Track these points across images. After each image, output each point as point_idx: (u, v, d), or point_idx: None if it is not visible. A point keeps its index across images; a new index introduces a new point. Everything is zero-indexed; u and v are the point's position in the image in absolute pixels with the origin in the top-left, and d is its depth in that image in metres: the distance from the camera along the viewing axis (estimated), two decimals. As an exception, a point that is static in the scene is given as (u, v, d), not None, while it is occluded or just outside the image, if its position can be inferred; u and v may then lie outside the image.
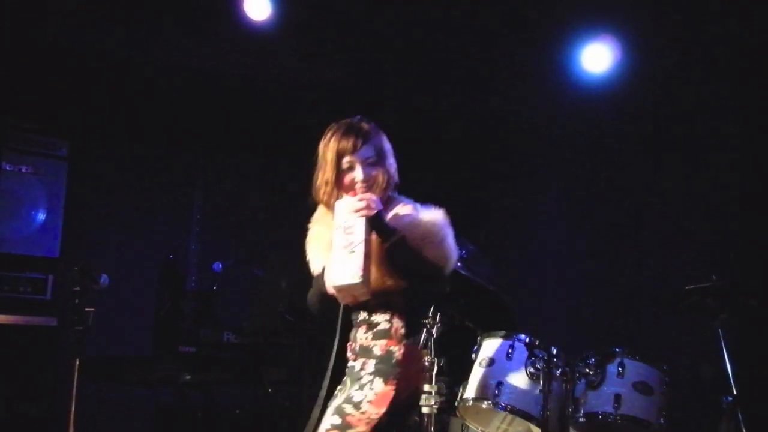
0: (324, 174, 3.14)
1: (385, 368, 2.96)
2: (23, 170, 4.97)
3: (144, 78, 5.48)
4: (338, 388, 3.07)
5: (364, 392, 2.93)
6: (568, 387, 3.99)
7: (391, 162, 3.20)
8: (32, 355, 4.83)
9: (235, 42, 5.45)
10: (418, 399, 3.03)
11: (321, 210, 3.23)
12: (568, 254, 5.98)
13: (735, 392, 3.85)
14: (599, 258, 5.96)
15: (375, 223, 2.95)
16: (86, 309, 4.02)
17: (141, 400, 5.14)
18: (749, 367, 4.13)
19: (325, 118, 6.13)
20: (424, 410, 3.35)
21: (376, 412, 2.90)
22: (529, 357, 4.05)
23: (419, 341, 3.03)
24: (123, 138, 5.71)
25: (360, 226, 2.93)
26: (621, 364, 4.08)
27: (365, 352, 3.03)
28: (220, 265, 5.26)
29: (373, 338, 3.03)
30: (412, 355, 3.00)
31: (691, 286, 4.02)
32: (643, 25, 5.39)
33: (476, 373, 4.14)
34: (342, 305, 3.13)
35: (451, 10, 5.42)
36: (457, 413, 4.24)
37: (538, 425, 3.99)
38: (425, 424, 3.21)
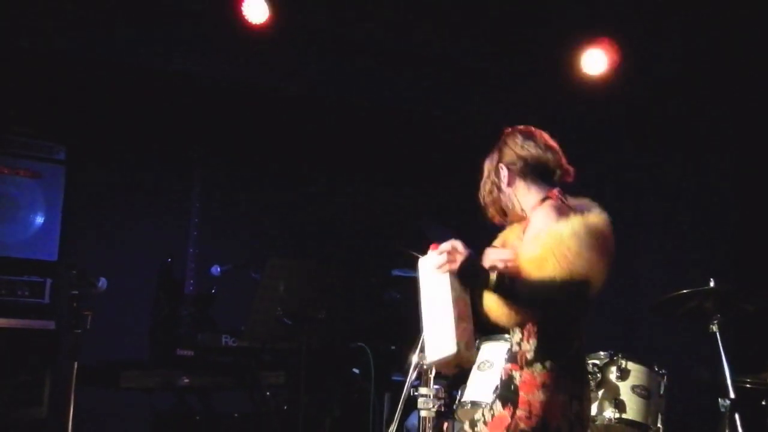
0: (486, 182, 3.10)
1: (504, 393, 2.80)
2: (21, 174, 4.96)
3: (142, 82, 5.48)
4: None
5: (484, 414, 2.83)
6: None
7: (494, 179, 3.01)
8: (30, 358, 4.81)
9: (233, 47, 5.46)
10: None
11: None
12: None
13: (733, 396, 3.86)
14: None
15: (463, 279, 2.73)
16: (84, 312, 4.02)
17: (139, 404, 5.12)
18: (747, 371, 4.13)
19: (323, 123, 6.18)
20: (423, 413, 3.36)
21: None
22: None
23: (551, 367, 2.76)
24: (121, 142, 5.71)
25: (444, 285, 2.69)
26: (619, 368, 4.09)
27: (502, 378, 2.90)
28: (218, 269, 5.26)
29: (506, 361, 2.91)
30: (535, 383, 2.75)
31: (689, 290, 4.03)
32: (640, 28, 5.40)
33: (475, 377, 4.14)
34: None
35: (450, 16, 5.44)
36: (456, 416, 4.24)
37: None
38: (423, 427, 3.21)
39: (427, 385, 3.27)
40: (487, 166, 3.05)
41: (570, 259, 2.68)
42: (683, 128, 5.71)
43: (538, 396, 2.73)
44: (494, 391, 2.84)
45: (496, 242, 3.07)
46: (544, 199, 2.95)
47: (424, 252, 2.85)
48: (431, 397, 3.25)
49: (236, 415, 5.22)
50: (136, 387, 4.74)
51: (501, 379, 2.85)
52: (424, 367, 2.79)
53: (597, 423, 4.03)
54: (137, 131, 5.70)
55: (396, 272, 5.15)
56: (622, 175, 6.03)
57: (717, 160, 5.59)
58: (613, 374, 4.09)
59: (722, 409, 3.88)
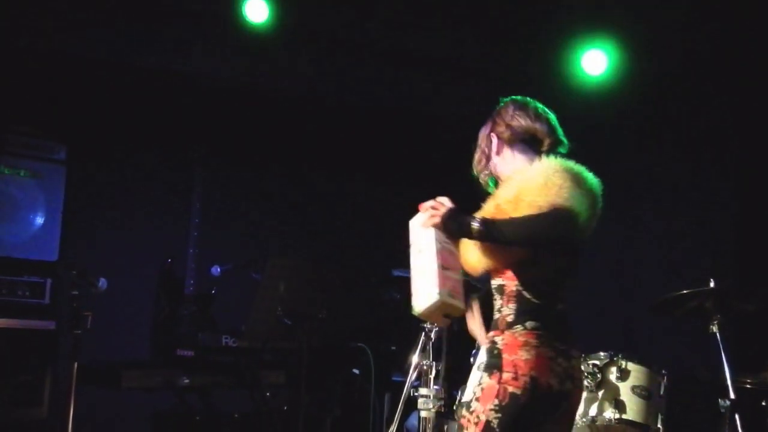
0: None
1: (489, 360, 2.73)
2: (21, 174, 4.96)
3: (142, 82, 5.48)
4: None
5: (475, 390, 2.73)
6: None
7: (484, 147, 3.04)
8: (30, 358, 4.82)
9: (234, 47, 5.46)
10: (550, 396, 2.71)
11: None
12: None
13: (733, 396, 3.85)
14: (597, 262, 5.96)
15: (448, 228, 2.74)
16: (84, 313, 4.02)
17: (139, 404, 5.13)
18: (747, 371, 4.13)
19: (324, 122, 6.18)
20: (423, 414, 3.37)
21: (481, 409, 2.66)
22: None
23: (532, 327, 2.73)
24: (121, 142, 5.71)
25: (430, 239, 2.71)
26: (620, 368, 4.10)
27: (486, 346, 2.83)
28: (219, 269, 5.26)
29: (489, 330, 2.84)
30: (517, 344, 2.70)
31: (689, 291, 4.03)
32: (640, 29, 5.40)
33: (475, 377, 4.14)
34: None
35: (450, 16, 5.44)
36: (456, 417, 4.24)
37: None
38: (423, 427, 3.22)
39: (427, 385, 3.28)
40: (481, 135, 3.08)
41: (549, 190, 2.72)
42: (683, 127, 5.71)
43: (522, 355, 2.69)
44: (479, 367, 2.75)
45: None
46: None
47: None
48: (431, 397, 3.27)
49: (236, 414, 5.23)
50: (136, 387, 4.74)
51: (486, 348, 2.79)
52: (415, 314, 2.74)
53: (597, 423, 4.03)
54: (137, 131, 5.70)
55: (396, 272, 5.14)
56: (622, 174, 6.03)
57: (717, 159, 5.58)
58: (613, 375, 4.09)
59: (722, 410, 3.87)
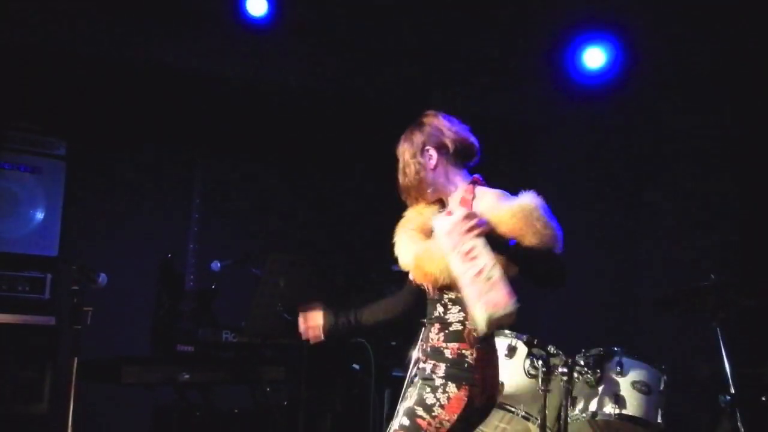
0: (405, 166, 3.06)
1: (457, 373, 2.80)
2: (21, 169, 4.96)
3: (142, 78, 5.47)
4: (408, 389, 2.93)
5: (437, 396, 2.79)
6: (567, 386, 4.00)
7: (411, 161, 3.00)
8: (30, 354, 4.82)
9: (234, 44, 5.45)
10: (492, 406, 2.92)
11: (410, 214, 3.09)
12: (568, 254, 5.97)
13: (733, 391, 3.85)
14: (598, 257, 5.96)
15: (492, 241, 2.70)
16: (84, 308, 4.02)
17: (139, 400, 5.13)
18: (747, 367, 4.13)
19: (323, 119, 6.18)
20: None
21: (447, 417, 2.77)
22: (528, 356, 4.06)
23: (493, 345, 2.91)
24: (121, 137, 5.70)
25: (481, 247, 2.65)
26: (620, 364, 4.10)
27: (436, 354, 2.87)
28: (219, 265, 5.25)
29: (445, 340, 2.87)
30: (486, 360, 2.85)
31: (690, 286, 4.03)
32: (640, 27, 5.40)
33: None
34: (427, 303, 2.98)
35: (450, 13, 5.43)
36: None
37: (536, 424, 4.00)
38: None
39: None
40: (409, 148, 3.03)
41: (541, 231, 2.77)
42: (684, 124, 5.71)
43: (489, 372, 2.85)
44: (432, 373, 2.82)
45: (410, 225, 3.07)
46: (472, 182, 2.99)
47: None
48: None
49: (237, 410, 5.23)
50: (136, 382, 4.74)
51: (447, 357, 2.83)
52: (480, 329, 2.72)
53: (597, 419, 4.03)
54: (137, 127, 5.70)
55: (396, 268, 5.14)
56: (624, 171, 6.03)
57: (719, 156, 5.58)
58: (613, 370, 4.09)
59: (723, 405, 3.88)
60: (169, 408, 5.11)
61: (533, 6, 5.36)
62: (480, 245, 2.66)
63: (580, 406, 4.07)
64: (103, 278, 4.15)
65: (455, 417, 2.77)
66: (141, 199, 5.85)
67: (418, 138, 3.03)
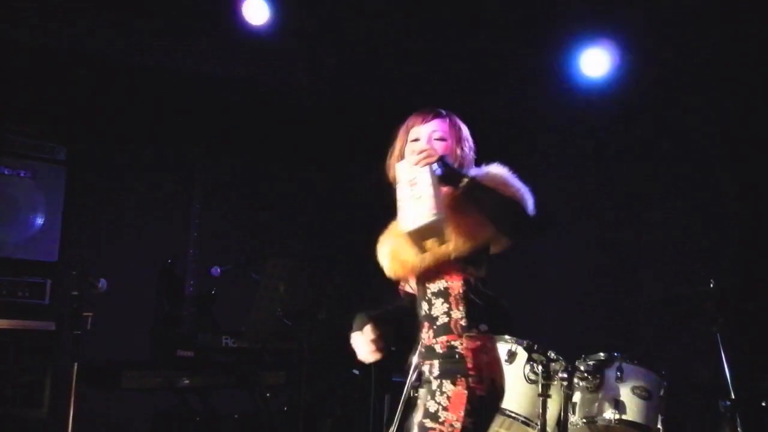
0: (393, 148, 3.01)
1: (450, 367, 2.75)
2: (21, 174, 4.96)
3: (142, 83, 5.48)
4: (418, 400, 2.86)
5: (437, 400, 2.72)
6: (567, 392, 4.00)
7: (464, 148, 2.95)
8: (30, 359, 4.82)
9: (233, 46, 5.45)
10: (501, 392, 2.81)
11: (392, 225, 3.06)
12: (567, 258, 5.98)
13: (733, 396, 3.86)
14: (598, 262, 5.96)
15: (440, 170, 2.74)
16: (84, 313, 4.03)
17: (139, 405, 5.13)
18: (747, 372, 4.13)
19: (323, 122, 6.17)
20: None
21: (454, 417, 2.66)
22: (528, 361, 4.06)
23: (484, 330, 2.80)
24: (121, 142, 5.71)
25: (424, 175, 2.72)
26: (620, 369, 4.09)
27: (429, 352, 2.84)
28: (219, 270, 5.25)
29: (435, 335, 2.83)
30: (477, 347, 2.76)
31: (690, 291, 4.03)
32: (641, 29, 5.40)
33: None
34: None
35: (450, 14, 5.43)
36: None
37: (536, 430, 3.99)
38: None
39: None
40: (459, 131, 2.99)
41: (503, 183, 2.80)
42: (682, 126, 5.71)
43: (484, 359, 2.75)
44: (429, 374, 2.80)
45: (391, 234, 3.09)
46: None
47: None
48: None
49: (236, 415, 5.23)
50: (136, 387, 4.74)
51: (438, 353, 2.80)
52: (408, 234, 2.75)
53: (598, 424, 4.03)
54: (137, 132, 5.70)
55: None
56: (623, 174, 6.03)
57: (718, 159, 5.58)
58: (613, 375, 4.09)
59: (723, 410, 3.88)
60: (169, 413, 5.11)
61: (534, 6, 5.36)
62: (424, 174, 2.72)
63: (580, 411, 4.07)
64: (103, 283, 4.16)
65: (462, 414, 2.66)
66: (141, 205, 5.85)
67: (462, 129, 3.01)
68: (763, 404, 4.08)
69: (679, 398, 4.33)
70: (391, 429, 3.02)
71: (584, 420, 4.04)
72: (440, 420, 2.68)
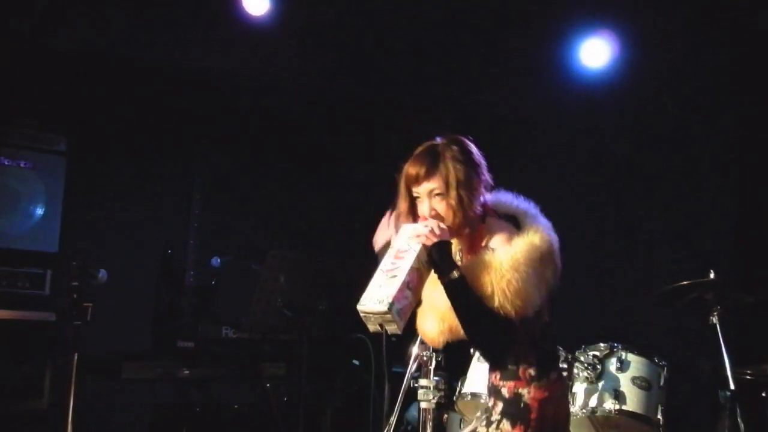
0: (400, 204, 2.86)
1: (513, 411, 2.71)
2: (21, 165, 4.95)
3: (142, 74, 5.47)
4: (476, 416, 2.92)
5: (490, 431, 2.74)
6: (567, 382, 4.01)
7: (467, 190, 2.74)
8: (30, 350, 4.82)
9: (233, 39, 5.45)
10: None
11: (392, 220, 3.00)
12: (567, 250, 5.97)
13: (733, 387, 3.86)
14: (597, 253, 5.96)
15: (435, 254, 2.65)
16: (84, 304, 4.02)
17: (139, 396, 5.14)
18: (747, 362, 4.13)
19: (323, 115, 6.17)
20: (423, 405, 3.36)
21: None
22: (527, 352, 4.06)
23: (555, 379, 2.77)
24: (121, 133, 5.70)
25: (413, 253, 2.66)
26: (620, 360, 4.10)
27: (495, 392, 2.80)
28: (219, 261, 5.26)
29: (501, 378, 2.78)
30: (545, 398, 2.71)
31: (689, 282, 4.03)
32: (641, 19, 5.39)
33: (475, 369, 4.15)
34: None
35: (449, 8, 5.43)
36: (456, 408, 4.25)
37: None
38: (424, 419, 3.22)
39: (427, 376, 3.27)
40: (458, 169, 2.78)
41: (509, 295, 2.60)
42: (683, 121, 5.71)
43: (549, 411, 2.72)
44: (492, 409, 2.76)
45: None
46: (483, 214, 2.84)
47: None
48: (431, 388, 3.26)
49: (237, 406, 5.24)
50: (136, 378, 4.75)
51: (504, 397, 2.75)
52: (360, 310, 2.66)
53: (597, 414, 4.04)
54: (137, 122, 5.69)
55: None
56: (622, 167, 6.03)
57: (717, 152, 5.58)
58: (613, 366, 4.09)
59: (722, 401, 3.88)
60: (169, 404, 5.12)
61: (533, 1, 5.36)
62: (414, 251, 2.65)
63: (580, 401, 4.07)
64: (103, 274, 4.16)
65: None
66: (141, 195, 5.84)
67: (463, 165, 2.81)
68: (763, 394, 4.08)
69: (678, 389, 4.34)
70: (391, 420, 3.02)
71: (584, 410, 4.05)
72: None
